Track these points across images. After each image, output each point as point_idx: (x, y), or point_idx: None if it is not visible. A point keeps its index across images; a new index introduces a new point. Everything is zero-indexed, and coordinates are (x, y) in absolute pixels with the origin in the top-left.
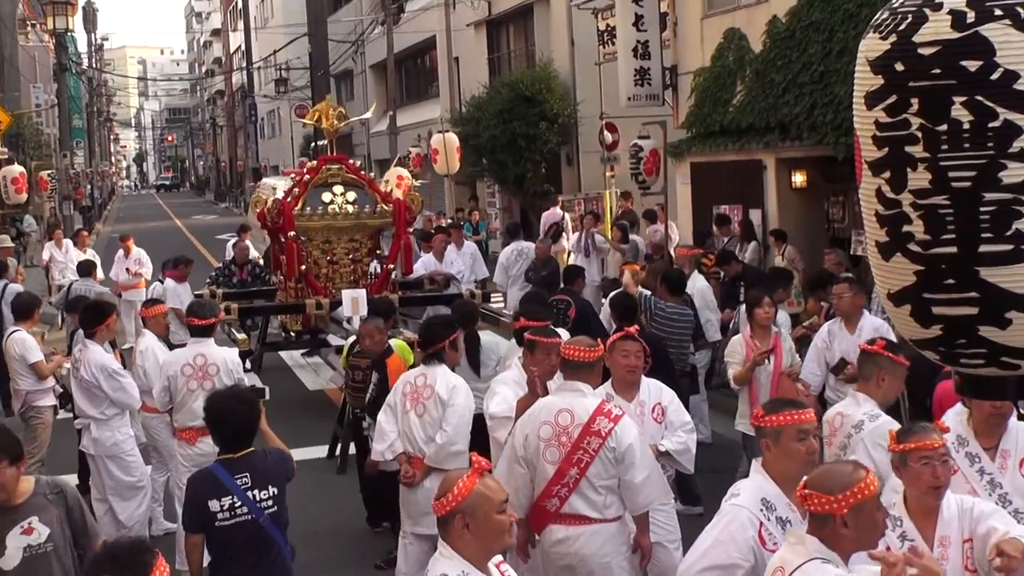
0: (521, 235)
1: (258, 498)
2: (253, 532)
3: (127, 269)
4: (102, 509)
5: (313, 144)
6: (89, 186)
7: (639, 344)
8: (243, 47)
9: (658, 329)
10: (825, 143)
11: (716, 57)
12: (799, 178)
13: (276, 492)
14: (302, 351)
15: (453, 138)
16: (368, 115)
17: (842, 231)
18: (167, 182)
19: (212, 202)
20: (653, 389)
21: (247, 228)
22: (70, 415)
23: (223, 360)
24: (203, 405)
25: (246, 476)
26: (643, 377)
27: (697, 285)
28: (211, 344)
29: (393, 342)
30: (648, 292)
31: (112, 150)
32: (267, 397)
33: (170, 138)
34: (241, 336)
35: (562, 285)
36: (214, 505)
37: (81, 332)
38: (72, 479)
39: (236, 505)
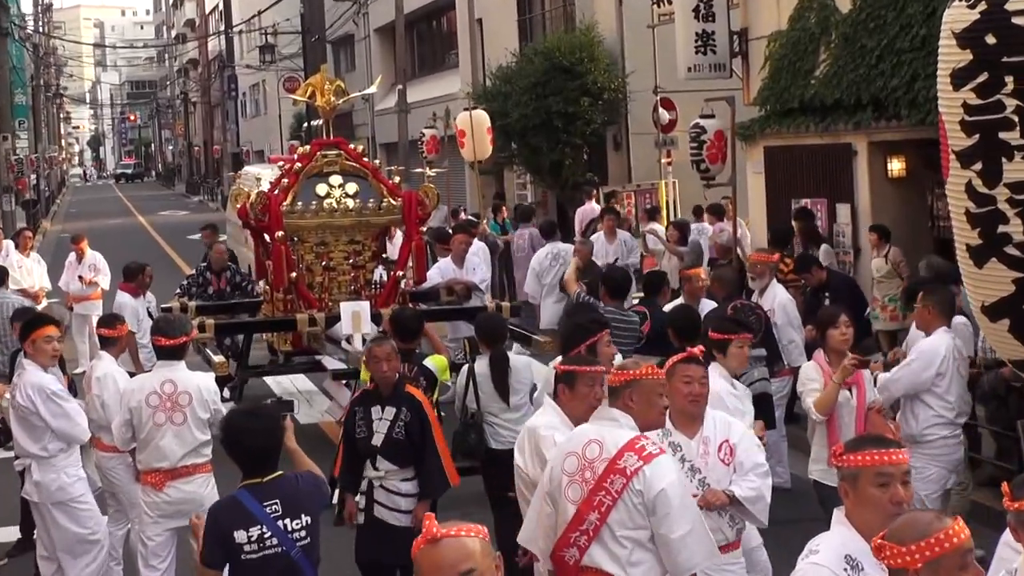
0: (558, 235)
1: (290, 528)
2: (283, 567)
3: (80, 277)
4: (50, 569)
5: (305, 125)
6: (34, 176)
7: (703, 368)
8: (221, 7)
9: None
10: (928, 123)
11: (795, 18)
12: (896, 165)
13: (309, 521)
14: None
15: (483, 117)
16: (372, 89)
17: (949, 230)
18: (129, 171)
19: (183, 195)
20: (720, 423)
21: (213, 227)
22: (11, 454)
23: (196, 388)
24: (220, 427)
25: (276, 503)
26: (708, 409)
27: (777, 298)
28: (182, 368)
29: (430, 361)
30: (583, 293)
31: (62, 132)
32: (295, 411)
33: (132, 117)
34: (218, 358)
35: (641, 295)
36: (240, 536)
37: (23, 354)
38: (13, 532)
39: (265, 536)
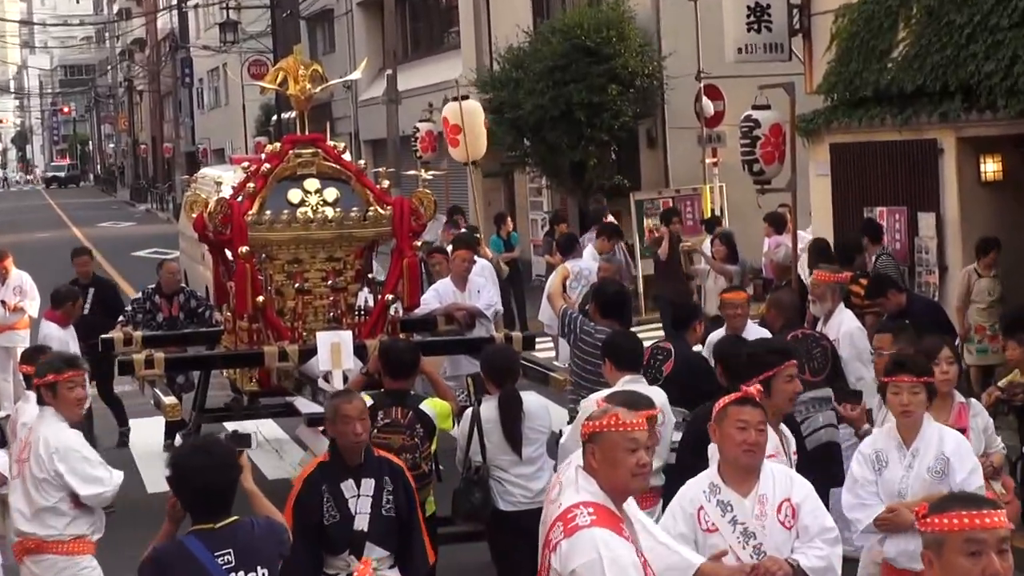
0: (579, 250)
1: None
2: None
3: (2, 302)
4: None
5: (275, 118)
6: None
7: (761, 412)
8: None
9: (582, 360)
10: None
11: None
12: (991, 166)
13: (267, 574)
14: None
15: (476, 107)
16: (356, 75)
17: None
18: (62, 174)
19: (127, 203)
20: (780, 478)
21: (86, 253)
22: None
23: (43, 439)
24: (168, 463)
25: (229, 553)
26: (765, 461)
27: (844, 326)
28: (38, 413)
29: (428, 405)
30: (571, 310)
31: None
32: (253, 447)
33: (66, 109)
34: (169, 400)
35: (670, 329)
36: None
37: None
38: None
39: None
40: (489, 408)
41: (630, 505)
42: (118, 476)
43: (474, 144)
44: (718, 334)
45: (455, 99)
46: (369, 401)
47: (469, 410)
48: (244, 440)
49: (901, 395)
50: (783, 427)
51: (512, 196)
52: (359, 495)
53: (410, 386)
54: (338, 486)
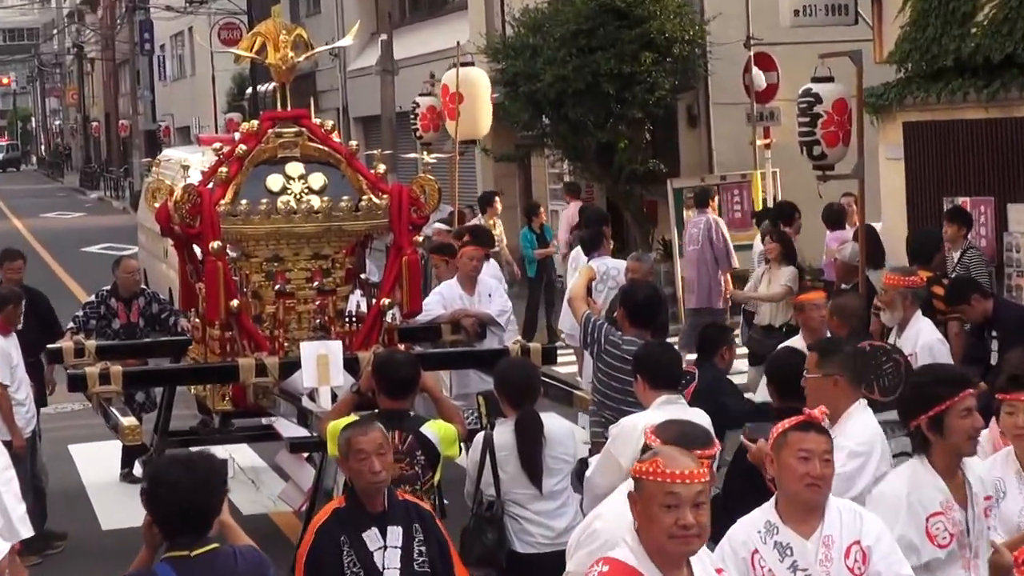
0: (605, 246)
1: None
2: None
3: None
4: None
5: (250, 91)
6: None
7: (827, 440)
8: None
9: (607, 375)
10: None
11: None
12: None
13: None
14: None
15: (480, 76)
16: (346, 41)
17: None
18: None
19: (76, 190)
20: (848, 517)
21: (16, 256)
22: None
23: None
24: (145, 476)
25: None
26: (831, 497)
27: (922, 338)
28: None
29: (430, 428)
30: (595, 317)
31: None
32: (232, 474)
33: (4, 80)
34: (127, 421)
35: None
36: None
37: None
38: None
39: None
40: (504, 433)
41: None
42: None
43: (475, 120)
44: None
45: (454, 65)
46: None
47: (480, 435)
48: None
49: (1017, 416)
50: (971, 468)
51: (528, 183)
52: (385, 546)
53: (409, 406)
54: (359, 537)
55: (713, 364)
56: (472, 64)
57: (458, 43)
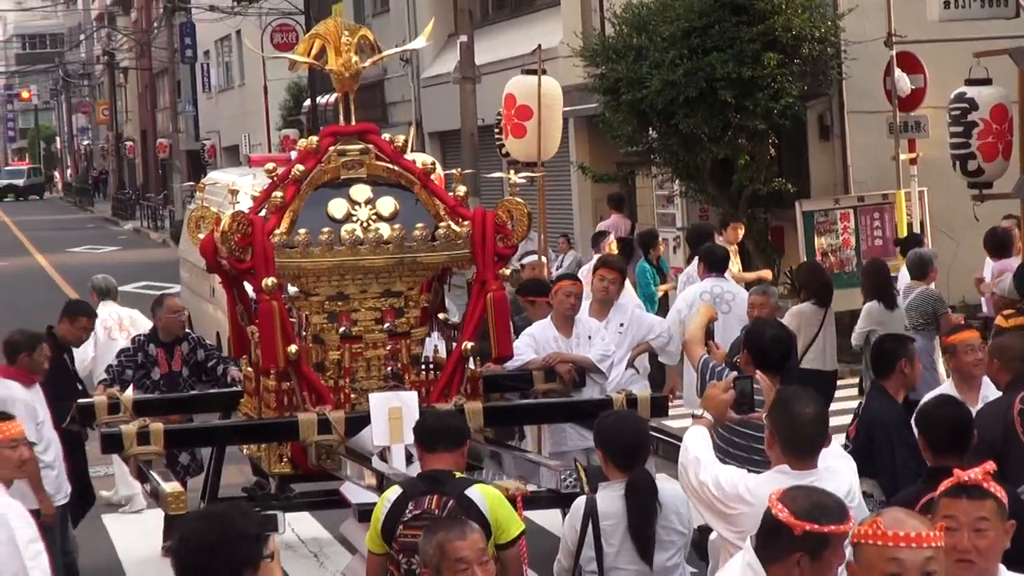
0: (726, 269)
1: None
2: None
3: None
4: None
5: (307, 103)
6: None
7: (989, 505)
8: None
9: (726, 428)
10: None
11: None
12: None
13: None
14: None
15: (552, 86)
16: (420, 42)
17: None
18: (19, 181)
19: (109, 220)
20: None
21: (88, 313)
22: None
23: None
24: (173, 537)
25: None
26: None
27: None
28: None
29: (476, 491)
30: (714, 362)
31: None
32: (282, 532)
33: (25, 95)
34: (170, 487)
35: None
36: None
37: None
38: None
39: None
40: (610, 498)
41: None
42: None
43: (546, 137)
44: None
45: (526, 71)
46: (397, 490)
47: (581, 500)
48: (270, 523)
49: None
50: None
51: (632, 207)
52: None
53: (453, 466)
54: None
55: (883, 389)
56: (544, 72)
57: (539, 46)
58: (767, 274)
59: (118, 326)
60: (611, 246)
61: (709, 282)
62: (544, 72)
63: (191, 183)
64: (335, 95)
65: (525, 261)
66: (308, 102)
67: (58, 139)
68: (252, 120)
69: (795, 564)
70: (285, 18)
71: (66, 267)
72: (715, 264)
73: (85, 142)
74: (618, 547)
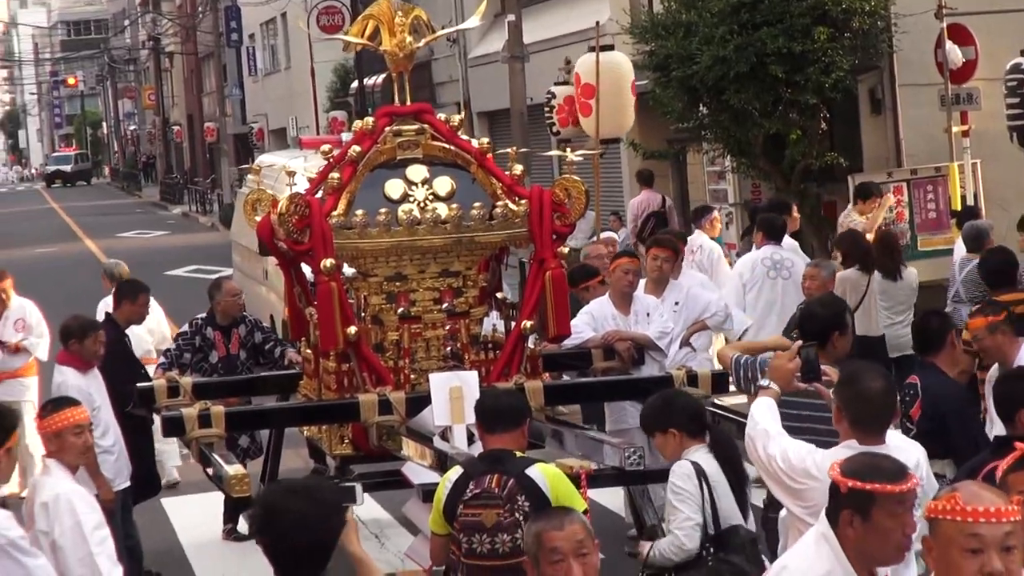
0: (783, 236)
1: None
2: None
3: (0, 342)
4: None
5: (355, 85)
6: None
7: None
8: None
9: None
10: None
11: None
12: None
13: None
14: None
15: (621, 62)
16: (473, 21)
17: None
18: (67, 167)
19: (157, 204)
20: None
21: (144, 290)
22: None
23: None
24: (254, 508)
25: None
26: None
27: None
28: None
29: (537, 470)
30: (743, 357)
31: None
32: (359, 502)
33: (71, 81)
34: (234, 469)
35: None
36: None
37: None
38: None
39: None
40: (705, 460)
41: None
42: None
43: (615, 114)
44: None
45: (592, 49)
46: (458, 471)
47: (685, 464)
48: (348, 494)
49: None
50: None
51: (683, 184)
52: None
53: (515, 445)
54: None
55: (935, 367)
56: (612, 47)
57: (597, 23)
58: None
59: None
60: (715, 221)
61: (768, 249)
62: (611, 48)
63: (246, 166)
64: (382, 76)
65: (606, 235)
66: (355, 83)
67: (104, 125)
68: (299, 102)
69: (848, 524)
70: (331, 0)
71: (115, 252)
72: (773, 232)
73: (131, 127)
74: (726, 507)
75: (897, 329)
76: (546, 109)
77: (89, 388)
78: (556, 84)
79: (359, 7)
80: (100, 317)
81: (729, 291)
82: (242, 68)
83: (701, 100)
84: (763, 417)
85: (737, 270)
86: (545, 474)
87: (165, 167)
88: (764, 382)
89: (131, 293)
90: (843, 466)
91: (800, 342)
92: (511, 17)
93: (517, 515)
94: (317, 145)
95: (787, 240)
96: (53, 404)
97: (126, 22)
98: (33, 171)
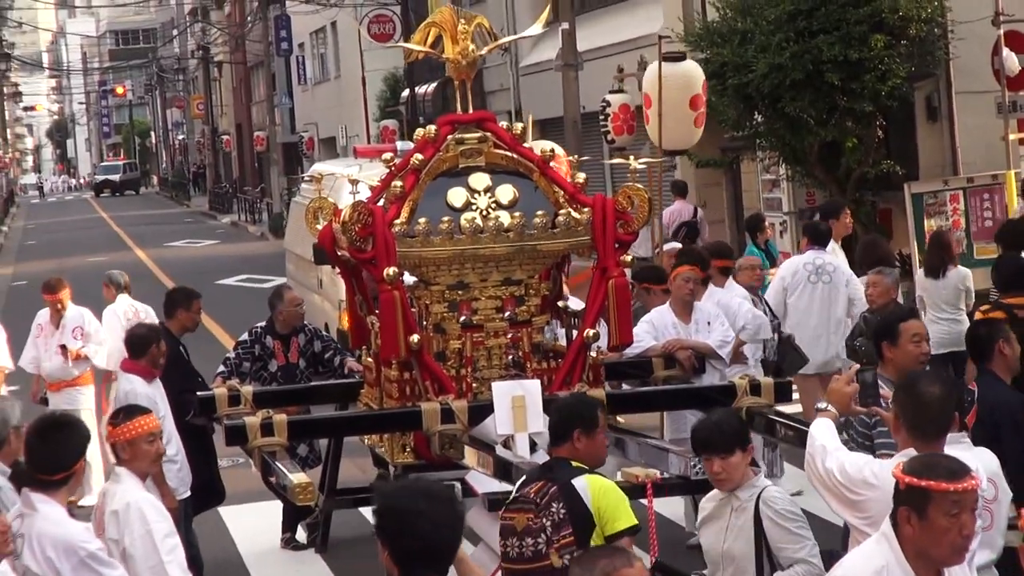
0: (827, 241)
1: None
2: None
3: (61, 347)
4: None
5: (406, 94)
6: None
7: None
8: None
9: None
10: None
11: None
12: None
13: None
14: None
15: (692, 70)
16: (535, 29)
17: None
18: (115, 176)
19: (205, 214)
20: None
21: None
22: None
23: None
24: (377, 508)
25: None
26: None
27: None
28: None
29: (583, 480)
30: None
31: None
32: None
33: (119, 90)
34: (298, 478)
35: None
36: None
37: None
38: None
39: None
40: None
41: None
42: None
43: (678, 124)
44: None
45: (666, 57)
46: (522, 479)
47: (781, 490)
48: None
49: None
50: None
51: (738, 192)
52: None
53: (569, 454)
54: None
55: (992, 374)
56: (683, 57)
57: (678, 35)
58: None
59: (135, 318)
60: (771, 229)
61: (811, 254)
62: (683, 57)
63: (293, 177)
64: (433, 85)
65: (666, 248)
66: (406, 92)
67: (152, 134)
68: (349, 111)
69: (906, 521)
70: (382, 8)
71: (165, 261)
72: (817, 237)
73: (180, 137)
74: None
75: (941, 326)
76: (601, 117)
77: (155, 397)
78: (611, 92)
79: (410, 16)
80: (107, 325)
81: (770, 294)
82: (291, 77)
83: (756, 108)
84: (821, 435)
85: (780, 273)
86: (590, 484)
87: (214, 176)
88: (822, 404)
89: (185, 300)
90: (905, 464)
91: (858, 365)
92: (565, 25)
93: (545, 520)
94: (372, 154)
95: (831, 244)
96: (126, 412)
97: (175, 31)
98: (81, 180)
